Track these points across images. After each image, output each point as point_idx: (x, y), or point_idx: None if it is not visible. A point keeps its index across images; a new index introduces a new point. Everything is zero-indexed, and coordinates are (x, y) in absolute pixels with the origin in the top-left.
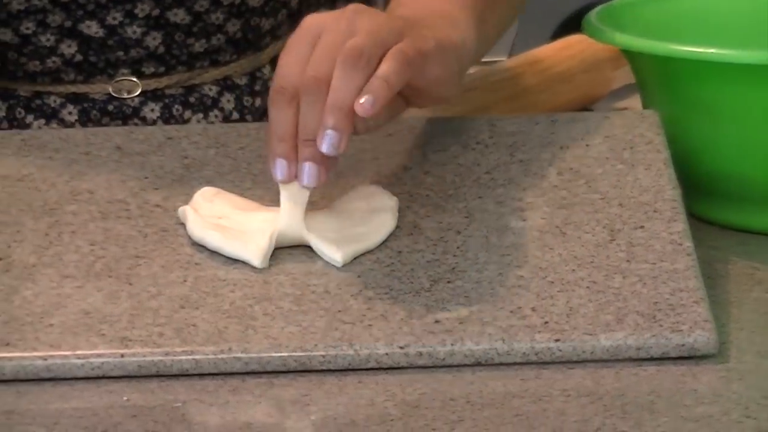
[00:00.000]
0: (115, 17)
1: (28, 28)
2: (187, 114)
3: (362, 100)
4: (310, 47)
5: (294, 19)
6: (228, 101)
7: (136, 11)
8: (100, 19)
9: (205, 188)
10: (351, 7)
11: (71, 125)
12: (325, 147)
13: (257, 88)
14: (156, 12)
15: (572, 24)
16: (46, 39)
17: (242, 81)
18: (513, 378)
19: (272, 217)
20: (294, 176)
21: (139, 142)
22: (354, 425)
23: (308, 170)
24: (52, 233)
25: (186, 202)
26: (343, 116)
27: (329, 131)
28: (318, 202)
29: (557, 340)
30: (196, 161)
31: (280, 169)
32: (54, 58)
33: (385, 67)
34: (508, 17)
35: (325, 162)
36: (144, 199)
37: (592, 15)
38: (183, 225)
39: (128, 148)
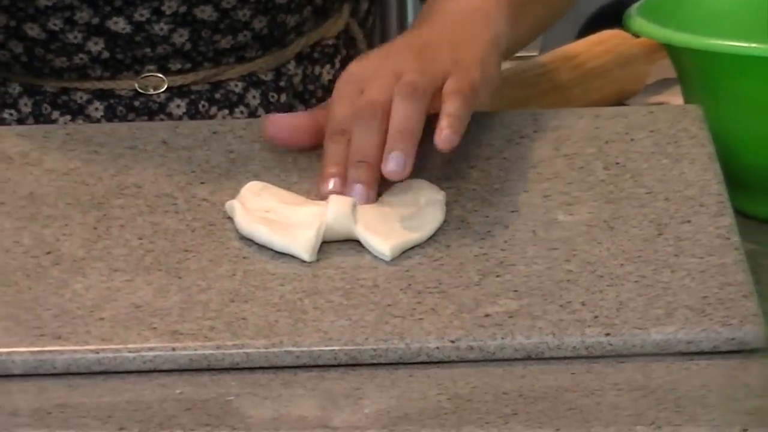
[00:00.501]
0: (142, 14)
1: (55, 25)
2: (213, 110)
3: (443, 135)
4: (359, 93)
5: (318, 15)
6: (253, 97)
7: (164, 8)
8: (128, 16)
9: (252, 182)
10: (393, 48)
11: (97, 121)
12: (391, 166)
13: (282, 84)
14: (183, 9)
15: (600, 20)
16: (74, 36)
17: (268, 77)
18: (564, 372)
19: (320, 211)
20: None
21: (184, 137)
22: (408, 419)
23: (358, 191)
24: (101, 227)
25: (233, 196)
26: (408, 139)
27: (395, 152)
28: None
29: (608, 335)
30: (242, 155)
31: (331, 185)
32: (81, 55)
33: (448, 106)
34: (554, 10)
35: (374, 183)
36: (191, 193)
37: (633, 9)
38: (230, 219)
39: (174, 142)
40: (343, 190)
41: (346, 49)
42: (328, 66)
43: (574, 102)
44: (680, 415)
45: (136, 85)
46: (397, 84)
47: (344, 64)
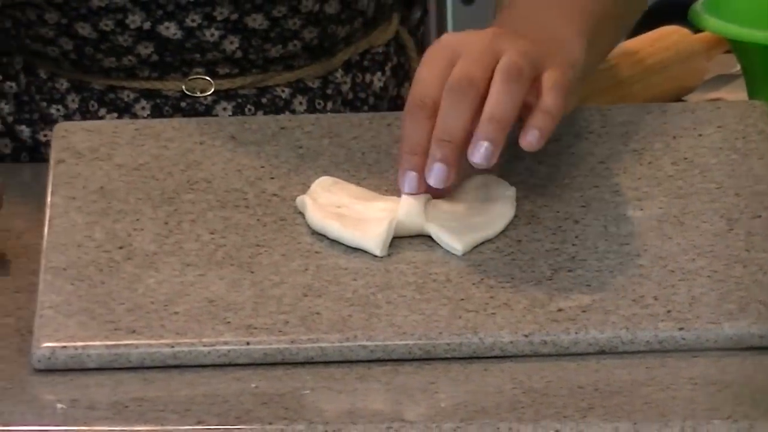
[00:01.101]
0: (193, 19)
1: (107, 26)
2: (259, 114)
3: (529, 136)
4: (450, 63)
5: (368, 25)
6: (300, 103)
7: (215, 14)
8: (179, 21)
9: (322, 178)
10: (489, 29)
11: None
12: (477, 158)
13: (329, 91)
14: (234, 16)
15: (653, 16)
16: (124, 39)
17: (315, 84)
18: (638, 366)
19: (391, 206)
20: (423, 189)
21: (252, 132)
22: (484, 412)
23: (437, 171)
24: (172, 222)
25: (302, 191)
26: (501, 130)
27: (485, 143)
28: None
29: (681, 329)
30: (311, 151)
31: (409, 182)
32: (130, 57)
33: (549, 101)
34: (616, 39)
35: (455, 164)
36: (261, 188)
37: (698, 5)
38: (301, 214)
39: (242, 137)
40: (422, 183)
41: (397, 57)
42: (378, 73)
43: (634, 98)
44: (756, 408)
45: (184, 87)
46: (499, 62)
47: (395, 71)
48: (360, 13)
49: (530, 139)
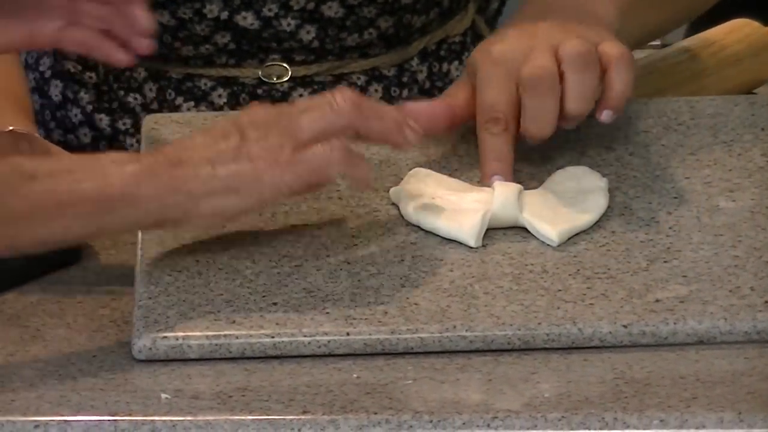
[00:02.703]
0: (270, 9)
1: (185, 14)
2: None
3: (606, 114)
4: (509, 75)
5: (444, 15)
6: (376, 91)
7: (292, 3)
8: (256, 11)
9: (416, 169)
10: (529, 27)
11: (220, 108)
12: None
13: (405, 79)
14: (311, 5)
15: (721, 9)
16: (201, 29)
17: (390, 72)
18: (737, 356)
19: (485, 197)
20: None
21: None
22: (588, 402)
23: None
24: (266, 213)
25: (394, 182)
26: (588, 106)
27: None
28: (529, 183)
29: None
30: None
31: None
32: (207, 46)
33: (620, 73)
34: (667, 16)
35: None
36: None
37: None
38: (394, 205)
39: None
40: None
41: (474, 47)
42: (456, 62)
43: (708, 90)
44: None
45: (260, 74)
46: (561, 55)
47: None
48: (436, 3)
49: (602, 113)
